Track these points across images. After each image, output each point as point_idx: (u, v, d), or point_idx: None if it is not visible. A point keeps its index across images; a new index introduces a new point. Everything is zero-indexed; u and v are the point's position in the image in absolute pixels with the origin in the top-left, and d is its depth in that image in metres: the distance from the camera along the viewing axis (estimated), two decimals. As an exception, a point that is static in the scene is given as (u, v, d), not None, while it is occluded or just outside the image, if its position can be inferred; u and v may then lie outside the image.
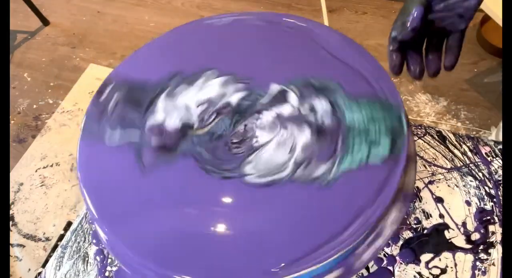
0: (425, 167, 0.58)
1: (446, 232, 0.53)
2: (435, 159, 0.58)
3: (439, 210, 0.54)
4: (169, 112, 0.47)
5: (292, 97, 0.46)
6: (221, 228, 0.40)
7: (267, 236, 0.39)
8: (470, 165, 0.57)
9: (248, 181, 0.42)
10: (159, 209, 0.42)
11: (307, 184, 0.41)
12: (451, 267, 0.50)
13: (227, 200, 0.42)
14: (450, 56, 0.43)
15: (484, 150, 0.58)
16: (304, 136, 0.43)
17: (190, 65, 0.50)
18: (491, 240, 0.52)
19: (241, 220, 0.40)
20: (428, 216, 0.54)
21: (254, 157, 0.43)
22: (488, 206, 0.54)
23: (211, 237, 0.40)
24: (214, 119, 0.46)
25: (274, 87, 0.47)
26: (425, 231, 0.53)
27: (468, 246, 0.51)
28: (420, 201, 0.55)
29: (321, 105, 0.45)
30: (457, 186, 0.56)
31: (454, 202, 0.55)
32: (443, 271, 0.50)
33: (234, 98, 0.47)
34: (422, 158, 0.58)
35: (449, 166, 0.57)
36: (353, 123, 0.43)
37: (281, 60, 0.50)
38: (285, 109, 0.45)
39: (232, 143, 0.44)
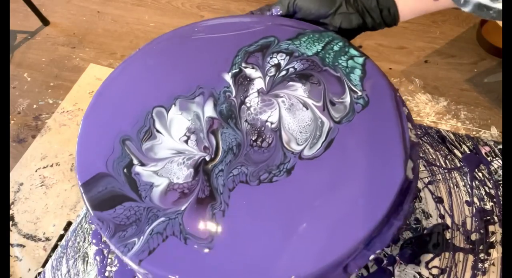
0: (425, 167, 0.57)
1: (446, 232, 0.52)
2: (435, 159, 0.58)
3: (439, 210, 0.54)
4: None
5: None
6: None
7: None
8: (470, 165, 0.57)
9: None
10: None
11: None
12: (451, 267, 0.50)
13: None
14: None
15: (484, 149, 0.58)
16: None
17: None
18: (491, 240, 0.51)
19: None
20: (428, 216, 0.54)
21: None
22: (488, 206, 0.54)
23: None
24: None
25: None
26: (425, 231, 0.53)
27: (468, 246, 0.51)
28: (420, 201, 0.55)
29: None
30: (457, 186, 0.56)
31: (454, 202, 0.55)
32: (443, 271, 0.50)
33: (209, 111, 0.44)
34: (422, 158, 0.58)
35: (449, 166, 0.57)
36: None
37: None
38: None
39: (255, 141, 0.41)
